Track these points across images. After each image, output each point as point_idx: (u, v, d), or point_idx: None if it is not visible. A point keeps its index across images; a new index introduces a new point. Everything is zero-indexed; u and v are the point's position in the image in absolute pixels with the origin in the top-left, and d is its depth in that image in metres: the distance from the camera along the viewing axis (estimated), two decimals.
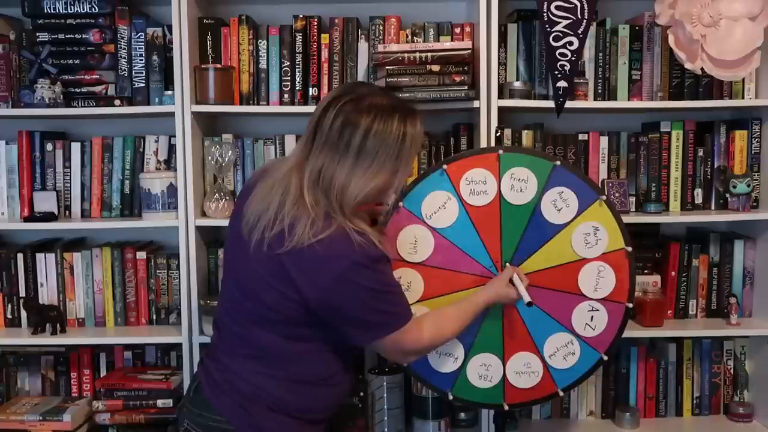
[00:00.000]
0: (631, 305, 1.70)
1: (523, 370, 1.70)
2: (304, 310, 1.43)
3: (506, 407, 1.71)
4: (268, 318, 1.46)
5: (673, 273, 2.22)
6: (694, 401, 2.29)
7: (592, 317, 1.69)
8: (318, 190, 1.42)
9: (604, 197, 1.70)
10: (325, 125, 1.42)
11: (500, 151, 1.71)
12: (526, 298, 1.59)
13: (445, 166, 1.70)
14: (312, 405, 1.53)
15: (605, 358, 1.70)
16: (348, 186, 1.41)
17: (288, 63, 2.13)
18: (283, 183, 1.44)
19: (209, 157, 2.11)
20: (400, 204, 1.69)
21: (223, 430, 1.47)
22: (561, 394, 1.72)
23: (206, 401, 1.51)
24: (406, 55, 1.96)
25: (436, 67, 1.97)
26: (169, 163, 2.20)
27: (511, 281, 1.64)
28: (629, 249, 1.69)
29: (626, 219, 1.83)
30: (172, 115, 2.04)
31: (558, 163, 1.70)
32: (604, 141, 2.19)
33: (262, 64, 2.13)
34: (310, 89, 2.13)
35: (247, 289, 1.48)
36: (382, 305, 1.45)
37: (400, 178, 1.48)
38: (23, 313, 2.20)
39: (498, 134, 2.00)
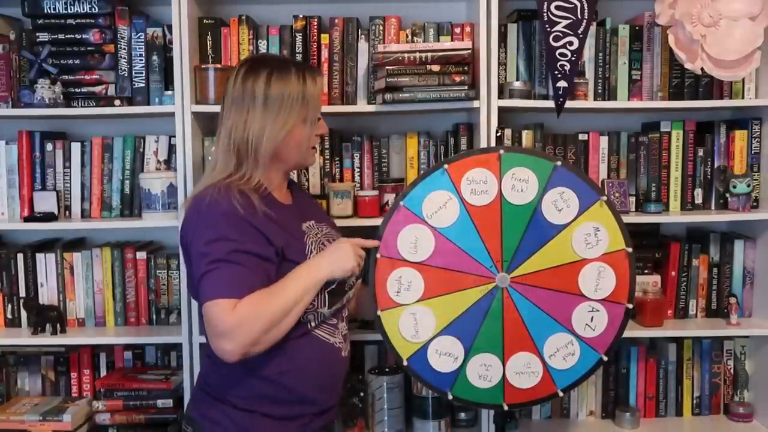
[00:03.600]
0: (631, 306, 1.70)
1: (523, 371, 1.70)
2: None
3: (506, 407, 1.71)
4: (192, 293, 1.53)
5: (673, 273, 2.22)
6: (694, 401, 2.29)
7: (592, 318, 1.69)
8: (229, 154, 1.50)
9: (605, 198, 1.69)
10: (228, 90, 1.53)
11: (501, 151, 1.70)
12: (376, 243, 1.59)
13: (446, 166, 1.70)
14: (246, 396, 1.49)
15: (605, 358, 1.70)
16: (262, 135, 1.48)
17: None
18: (211, 166, 1.56)
19: (209, 157, 2.11)
20: (401, 203, 1.69)
21: (188, 417, 1.57)
22: (561, 394, 1.72)
23: None
24: (406, 55, 1.96)
25: (436, 67, 1.97)
26: (169, 163, 2.20)
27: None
28: (630, 250, 1.69)
29: (626, 219, 1.83)
30: (172, 115, 2.04)
31: (559, 163, 1.70)
32: (604, 141, 2.19)
33: None
34: None
35: None
36: (206, 264, 1.38)
37: (311, 128, 1.54)
38: (23, 313, 2.20)
39: (498, 134, 2.00)
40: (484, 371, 1.70)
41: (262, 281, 1.42)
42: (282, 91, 1.49)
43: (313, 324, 1.52)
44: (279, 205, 1.56)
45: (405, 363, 1.69)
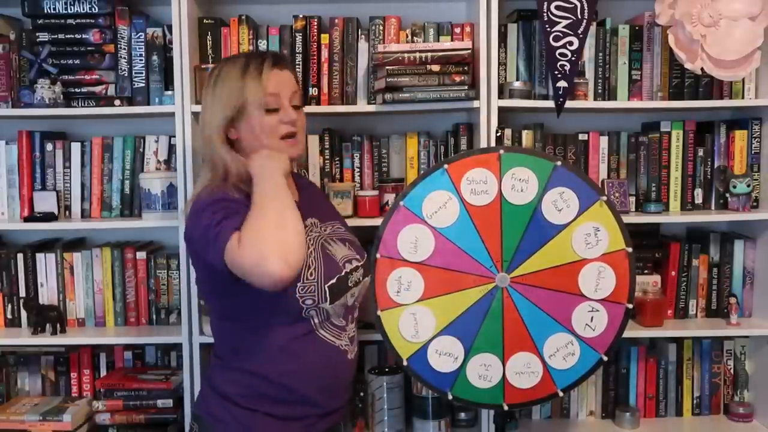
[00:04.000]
0: (631, 306, 1.70)
1: (523, 371, 1.70)
2: (206, 272, 1.50)
3: (506, 407, 1.71)
4: (201, 293, 1.60)
5: (673, 273, 2.22)
6: (694, 401, 2.29)
7: (592, 318, 1.69)
8: (204, 156, 1.57)
9: (605, 198, 1.70)
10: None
11: (501, 151, 1.71)
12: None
13: (446, 166, 1.70)
14: (248, 395, 1.50)
15: (605, 358, 1.70)
16: (205, 125, 1.53)
17: None
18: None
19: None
20: (401, 203, 1.69)
21: (194, 415, 1.58)
22: (561, 394, 1.72)
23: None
24: (406, 55, 1.96)
25: (436, 67, 1.97)
26: (169, 163, 2.20)
27: None
28: (629, 250, 1.69)
29: (626, 219, 1.83)
30: (172, 115, 2.03)
31: (559, 163, 1.70)
32: (604, 141, 2.19)
33: None
34: (311, 89, 2.12)
35: None
36: (210, 229, 1.39)
37: (266, 115, 1.50)
38: (23, 313, 2.20)
39: (498, 134, 2.00)
40: (484, 371, 1.70)
41: None
42: (223, 82, 1.52)
43: (316, 321, 1.51)
44: None
45: (405, 363, 1.70)
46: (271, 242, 1.31)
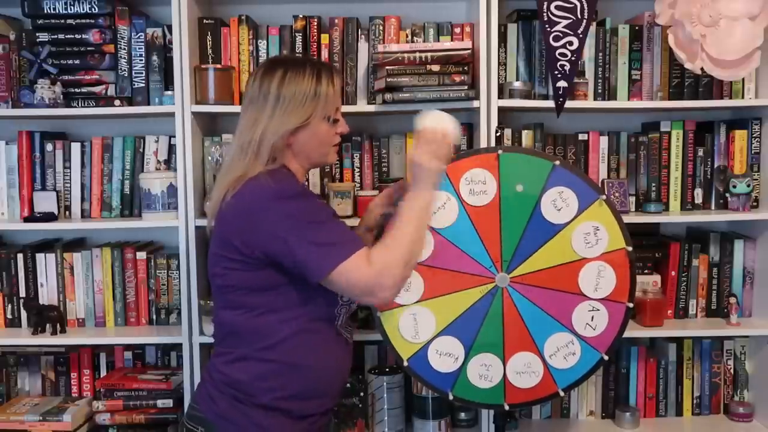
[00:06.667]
0: (631, 305, 1.70)
1: (524, 370, 1.70)
2: (250, 267, 1.45)
3: (506, 407, 1.71)
4: (222, 291, 1.52)
5: (673, 273, 2.22)
6: (694, 401, 2.29)
7: (592, 317, 1.69)
8: (248, 149, 1.50)
9: (604, 197, 1.69)
10: (247, 90, 1.55)
11: (500, 151, 1.70)
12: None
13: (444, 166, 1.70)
14: (277, 390, 1.48)
15: (606, 358, 1.70)
16: (267, 130, 1.49)
17: None
18: (225, 166, 1.55)
19: (209, 157, 2.11)
20: (400, 203, 1.69)
21: (198, 418, 1.51)
22: (561, 394, 1.72)
23: (194, 393, 1.61)
24: (406, 55, 1.96)
25: (436, 67, 1.97)
26: (169, 163, 2.20)
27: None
28: (629, 248, 1.69)
29: (626, 219, 1.83)
30: (172, 115, 2.04)
31: (557, 162, 1.70)
32: (604, 141, 2.19)
33: None
34: None
35: (210, 273, 1.55)
36: (312, 236, 1.41)
37: (330, 125, 1.54)
38: (23, 313, 2.20)
39: (498, 134, 2.00)
40: (484, 371, 1.70)
41: (355, 236, 1.50)
42: (295, 88, 1.50)
43: (341, 318, 1.55)
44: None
45: (405, 364, 1.70)
46: (404, 268, 1.43)
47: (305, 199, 1.46)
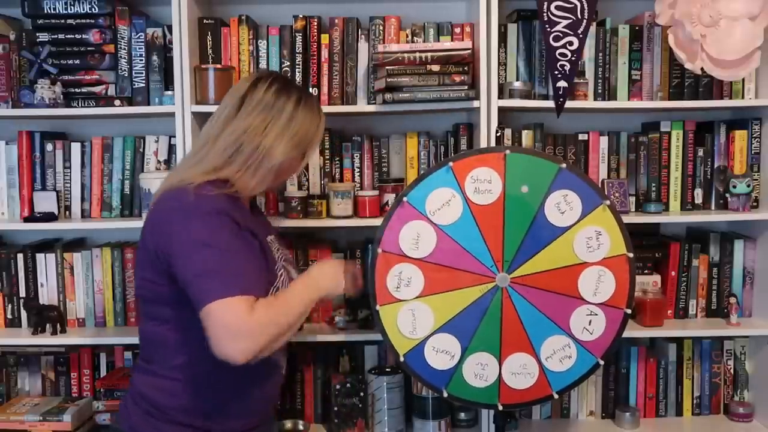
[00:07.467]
0: (629, 311, 1.69)
1: (519, 371, 1.70)
2: (161, 278, 1.41)
3: (500, 407, 1.71)
4: (143, 302, 1.50)
5: (673, 273, 2.22)
6: (694, 401, 2.29)
7: (590, 321, 1.69)
8: (226, 152, 1.47)
9: (608, 202, 1.69)
10: (257, 94, 1.50)
11: (507, 151, 1.70)
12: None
13: (451, 164, 1.70)
14: (189, 409, 1.45)
15: (601, 362, 1.70)
16: (275, 149, 1.47)
17: (288, 63, 2.13)
18: (176, 169, 1.54)
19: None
20: (404, 199, 1.69)
21: (113, 429, 1.54)
22: (556, 396, 1.71)
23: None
24: (406, 55, 1.96)
25: (436, 67, 1.97)
26: (169, 163, 2.20)
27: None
28: (630, 255, 1.69)
29: (626, 219, 1.83)
30: (172, 115, 2.03)
31: (564, 165, 1.69)
32: (604, 141, 2.19)
33: (262, 65, 2.13)
34: (311, 89, 2.12)
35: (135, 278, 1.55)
36: (208, 262, 1.33)
37: (302, 161, 1.57)
38: (23, 313, 2.20)
39: (498, 134, 2.00)
40: (480, 370, 1.70)
41: (259, 279, 1.42)
42: (306, 117, 1.52)
43: None
44: (249, 215, 1.57)
45: (402, 359, 1.70)
46: (271, 337, 1.35)
47: (217, 219, 1.38)
